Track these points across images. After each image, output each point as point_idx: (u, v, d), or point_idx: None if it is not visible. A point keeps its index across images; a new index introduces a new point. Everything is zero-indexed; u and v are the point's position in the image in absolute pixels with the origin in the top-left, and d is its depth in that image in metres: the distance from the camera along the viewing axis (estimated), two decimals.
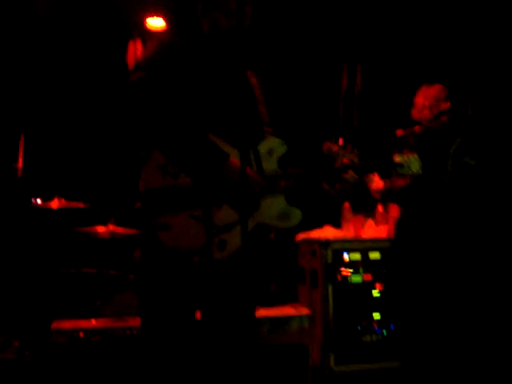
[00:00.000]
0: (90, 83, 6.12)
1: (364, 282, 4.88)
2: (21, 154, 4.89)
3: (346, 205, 5.27)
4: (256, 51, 2.99)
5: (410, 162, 3.10)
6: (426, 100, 4.11)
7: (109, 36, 6.02)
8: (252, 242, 2.64)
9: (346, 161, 3.00)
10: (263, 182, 2.63)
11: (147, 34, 6.18)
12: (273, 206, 2.69)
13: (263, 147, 2.73)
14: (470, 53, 5.37)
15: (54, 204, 4.84)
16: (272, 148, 2.74)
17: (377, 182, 4.15)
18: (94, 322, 3.99)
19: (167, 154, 2.51)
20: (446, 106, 4.06)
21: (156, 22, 6.57)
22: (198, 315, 2.71)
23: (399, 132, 4.26)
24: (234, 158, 2.54)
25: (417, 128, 4.11)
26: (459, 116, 4.13)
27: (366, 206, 5.27)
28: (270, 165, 2.71)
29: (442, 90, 4.12)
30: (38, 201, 5.03)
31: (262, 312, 4.20)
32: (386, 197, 4.15)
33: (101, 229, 4.85)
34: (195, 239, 2.49)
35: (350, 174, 2.92)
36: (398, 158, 3.13)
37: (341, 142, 3.07)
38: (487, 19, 5.39)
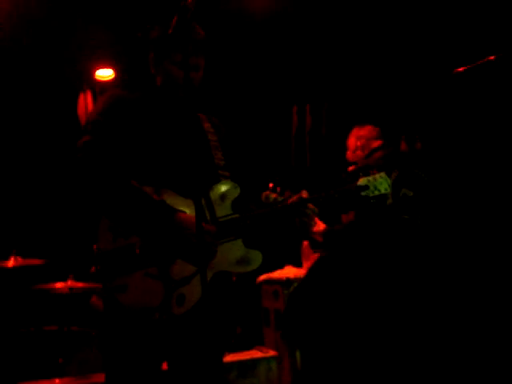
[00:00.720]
0: (42, 136, 6.09)
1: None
2: None
3: (305, 243, 5.30)
4: (208, 95, 3.01)
5: (377, 182, 2.96)
6: (357, 141, 4.22)
7: (58, 87, 6.02)
8: (213, 292, 2.62)
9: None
10: (214, 230, 2.59)
11: (97, 86, 6.21)
12: (231, 252, 2.66)
13: (215, 193, 2.71)
14: (404, 89, 5.53)
15: (11, 262, 4.75)
16: (224, 192, 2.73)
17: (317, 225, 4.21)
18: (57, 382, 3.90)
19: (113, 219, 2.53)
20: (376, 143, 4.16)
21: (105, 73, 6.62)
22: (165, 366, 2.69)
23: (350, 168, 4.33)
24: (184, 211, 2.55)
25: (350, 168, 4.15)
26: (392, 151, 4.21)
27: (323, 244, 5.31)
28: (223, 210, 2.70)
29: (372, 130, 4.23)
30: None
31: (229, 357, 4.17)
32: (328, 239, 4.18)
33: (59, 284, 4.77)
34: (153, 297, 2.48)
35: (310, 208, 2.82)
36: (361, 181, 2.97)
37: (304, 194, 2.97)
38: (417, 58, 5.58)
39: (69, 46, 5.87)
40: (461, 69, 3.01)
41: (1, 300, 5.10)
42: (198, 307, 2.52)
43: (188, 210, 2.58)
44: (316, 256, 5.25)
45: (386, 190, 2.95)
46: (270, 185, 3.02)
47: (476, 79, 3.01)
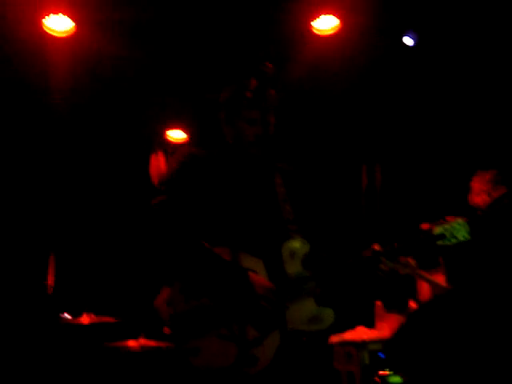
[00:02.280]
0: (114, 198, 6.24)
1: (403, 382, 4.72)
2: (51, 271, 4.92)
3: (379, 303, 5.19)
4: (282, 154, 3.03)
5: (454, 229, 2.78)
6: (484, 185, 4.20)
7: (131, 149, 6.19)
8: (286, 352, 2.56)
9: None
10: (283, 291, 2.56)
11: (169, 146, 6.35)
12: (302, 310, 2.61)
13: (285, 250, 2.68)
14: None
15: (84, 319, 4.81)
16: (294, 250, 2.69)
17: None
18: None
19: (185, 280, 2.54)
20: (503, 189, 4.15)
21: (176, 134, 6.80)
22: None
23: (425, 226, 4.25)
24: (255, 269, 2.54)
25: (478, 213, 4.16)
26: None
27: (398, 304, 5.19)
28: (293, 268, 2.66)
29: (497, 174, 4.23)
30: (67, 316, 5.02)
31: None
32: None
33: (132, 343, 4.78)
34: (226, 357, 2.45)
35: (384, 262, 2.72)
36: (437, 229, 2.79)
37: (376, 247, 2.89)
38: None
39: (143, 108, 6.06)
40: None
41: (75, 357, 5.13)
42: (271, 367, 2.48)
43: (258, 269, 2.58)
44: (389, 317, 5.13)
45: (464, 237, 2.77)
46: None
47: None
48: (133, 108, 6.13)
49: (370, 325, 5.27)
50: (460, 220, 2.82)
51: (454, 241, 2.80)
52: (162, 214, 2.54)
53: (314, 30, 5.38)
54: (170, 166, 2.77)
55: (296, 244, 2.71)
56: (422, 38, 5.50)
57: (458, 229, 2.79)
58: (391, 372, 4.71)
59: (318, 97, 6.08)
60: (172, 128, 6.72)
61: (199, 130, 6.41)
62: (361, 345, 4.75)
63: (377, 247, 2.75)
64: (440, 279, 4.35)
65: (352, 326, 5.23)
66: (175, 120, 6.56)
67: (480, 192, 4.20)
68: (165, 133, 6.73)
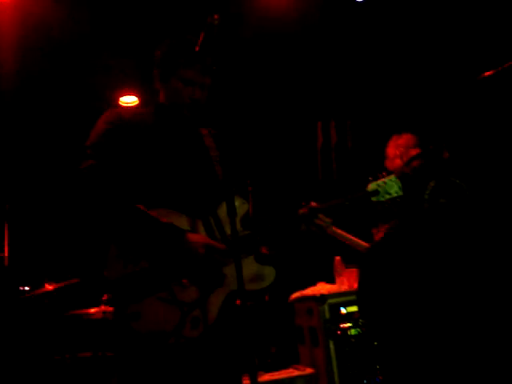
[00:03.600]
0: (67, 166, 6.14)
1: (364, 334, 4.82)
2: (6, 242, 4.85)
3: (337, 258, 5.25)
4: (234, 111, 3.00)
5: (387, 185, 2.86)
6: (396, 149, 4.18)
7: (83, 114, 6.08)
8: (228, 312, 2.59)
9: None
10: (224, 249, 2.55)
11: None
12: (244, 270, 2.58)
13: (223, 210, 2.63)
14: (440, 96, 5.51)
15: (45, 288, 4.78)
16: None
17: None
18: None
19: (121, 245, 2.49)
20: (415, 151, 4.12)
21: (129, 99, 6.69)
22: None
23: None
24: (194, 230, 2.53)
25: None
26: (431, 160, 4.16)
27: (356, 257, 5.26)
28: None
29: (410, 138, 4.20)
30: (27, 288, 4.98)
31: (266, 377, 4.12)
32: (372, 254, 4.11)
33: (93, 310, 4.77)
34: (167, 322, 2.44)
35: (322, 218, 2.77)
36: (370, 186, 2.85)
37: (313, 204, 2.90)
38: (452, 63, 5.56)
39: (94, 72, 5.95)
40: (488, 73, 2.98)
41: (35, 327, 5.10)
42: (213, 329, 2.50)
43: (197, 230, 2.57)
44: (349, 271, 5.20)
45: (396, 192, 2.86)
46: (303, 203, 2.95)
47: (504, 82, 2.97)
48: (85, 73, 6.00)
49: (331, 280, 5.33)
50: (392, 177, 2.88)
51: (387, 196, 2.87)
52: (92, 180, 2.47)
53: None
54: (97, 127, 2.62)
55: (236, 203, 2.65)
56: None
57: (390, 185, 2.86)
58: (351, 324, 4.81)
59: (270, 53, 6.02)
60: (124, 93, 6.61)
61: (151, 92, 6.31)
62: (321, 299, 4.80)
63: (313, 204, 2.77)
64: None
65: (313, 283, 5.29)
66: (127, 84, 6.44)
67: (394, 157, 4.18)
68: (117, 98, 6.62)
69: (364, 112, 6.46)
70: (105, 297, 4.81)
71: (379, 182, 2.86)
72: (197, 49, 2.43)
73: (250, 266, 2.63)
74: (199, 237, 2.51)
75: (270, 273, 2.63)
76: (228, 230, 2.62)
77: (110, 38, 5.68)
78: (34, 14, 5.25)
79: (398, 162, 4.14)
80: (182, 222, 2.54)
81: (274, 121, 6.37)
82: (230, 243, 2.56)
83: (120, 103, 6.62)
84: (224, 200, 2.65)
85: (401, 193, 2.89)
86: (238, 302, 2.64)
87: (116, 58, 5.85)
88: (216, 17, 2.36)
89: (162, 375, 2.48)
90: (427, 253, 3.59)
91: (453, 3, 5.37)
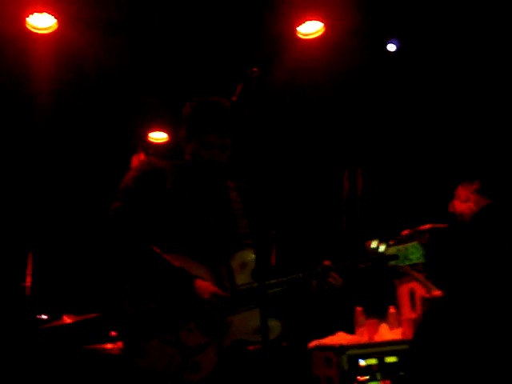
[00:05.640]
0: (94, 199, 6.18)
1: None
2: (29, 272, 4.87)
3: (358, 309, 5.19)
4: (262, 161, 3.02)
5: (408, 251, 2.78)
6: (470, 193, 4.19)
7: (114, 150, 6.16)
8: (229, 361, 2.60)
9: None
10: (228, 298, 2.59)
11: (150, 148, 6.32)
12: (248, 321, 2.63)
13: (236, 261, 2.71)
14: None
15: (63, 321, 4.78)
16: (245, 261, 2.72)
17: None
18: None
19: (133, 283, 2.59)
20: (488, 201, 4.14)
21: (158, 135, 6.77)
22: None
23: (405, 232, 4.26)
24: (204, 277, 2.60)
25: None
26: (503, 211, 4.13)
27: (378, 309, 5.20)
28: (243, 278, 2.69)
29: (481, 185, 4.22)
30: (44, 317, 4.99)
31: None
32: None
33: (110, 345, 4.75)
34: (168, 363, 2.49)
35: (333, 277, 2.75)
36: (390, 250, 2.79)
37: (326, 262, 2.78)
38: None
39: (124, 109, 6.03)
40: None
41: (53, 358, 5.09)
42: (213, 376, 2.52)
43: (207, 277, 2.63)
44: (369, 322, 5.13)
45: (418, 259, 2.79)
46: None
47: None
48: (115, 108, 6.09)
49: (350, 331, 5.27)
50: (415, 243, 2.81)
51: (407, 262, 2.80)
52: (116, 221, 2.61)
53: (299, 35, 5.40)
54: (129, 173, 2.79)
55: (247, 255, 2.74)
56: (404, 43, 5.53)
57: (412, 251, 2.79)
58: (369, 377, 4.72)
59: (301, 101, 6.08)
60: (154, 129, 6.68)
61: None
62: (339, 350, 4.72)
63: (327, 263, 2.77)
64: None
65: (332, 332, 5.22)
66: (157, 121, 6.52)
67: (467, 199, 4.18)
68: (147, 134, 6.70)
69: (391, 161, 6.46)
70: (112, 333, 4.81)
71: (400, 247, 2.80)
72: (234, 99, 2.48)
73: (255, 318, 2.58)
74: (206, 284, 2.58)
75: (275, 326, 2.63)
76: (238, 281, 2.69)
77: (142, 74, 5.77)
78: (72, 46, 5.35)
79: (471, 206, 4.14)
80: (194, 269, 2.62)
81: (301, 168, 6.39)
82: (237, 294, 2.64)
83: (149, 139, 6.70)
84: (237, 251, 2.74)
85: (423, 260, 2.81)
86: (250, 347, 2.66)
87: (147, 94, 5.93)
88: (255, 69, 2.43)
89: None
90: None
91: (475, 52, 5.41)
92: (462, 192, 4.26)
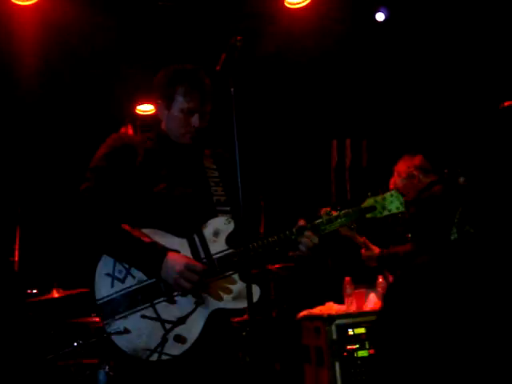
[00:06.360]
0: (80, 173, 6.16)
1: (371, 356, 4.77)
2: (17, 247, 4.86)
3: (347, 279, 5.21)
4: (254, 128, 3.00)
5: (386, 201, 2.69)
6: (410, 169, 4.13)
7: (102, 123, 6.11)
8: (213, 331, 2.60)
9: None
10: (203, 268, 2.57)
11: (138, 120, 6.28)
12: (226, 289, 2.63)
13: (208, 229, 2.68)
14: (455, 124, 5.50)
15: (53, 294, 4.79)
16: (218, 228, 2.69)
17: (372, 250, 4.14)
18: None
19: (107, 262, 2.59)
20: (432, 176, 4.08)
21: (145, 107, 6.73)
22: None
23: None
24: (180, 249, 2.59)
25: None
26: (452, 186, 4.09)
27: (366, 279, 5.22)
28: (218, 246, 2.66)
29: (424, 161, 4.16)
30: (34, 291, 5.00)
31: None
32: (383, 264, 4.05)
33: (98, 318, 4.76)
34: (150, 338, 2.50)
35: (308, 235, 2.67)
36: (367, 202, 2.69)
37: (301, 222, 2.69)
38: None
39: (111, 82, 5.98)
40: (507, 103, 2.96)
41: (41, 332, 5.10)
42: (197, 347, 2.53)
43: (181, 248, 2.62)
44: (358, 292, 5.16)
45: (397, 208, 2.69)
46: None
47: None
48: (102, 81, 6.03)
49: (340, 300, 5.30)
50: (393, 191, 2.72)
51: (385, 213, 2.71)
52: (86, 203, 2.59)
53: (286, 4, 5.36)
54: (99, 151, 2.75)
55: (221, 222, 2.71)
56: (393, 13, 5.50)
57: (390, 200, 2.71)
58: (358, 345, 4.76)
59: (289, 71, 6.04)
60: (141, 102, 6.64)
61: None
62: (328, 319, 4.76)
63: (302, 222, 2.71)
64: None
65: (321, 302, 5.25)
66: (144, 93, 6.47)
67: (408, 177, 4.09)
68: (134, 107, 6.66)
69: (380, 131, 6.45)
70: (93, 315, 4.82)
71: (377, 197, 2.72)
72: (218, 68, 2.46)
73: (232, 285, 2.65)
74: (179, 256, 2.57)
75: (254, 291, 2.53)
76: (212, 249, 2.66)
77: (129, 47, 5.72)
78: (56, 17, 5.28)
79: (414, 183, 4.08)
80: (167, 241, 2.61)
81: (290, 138, 6.37)
82: (212, 262, 2.62)
83: (137, 111, 6.66)
84: (210, 219, 2.71)
85: (402, 208, 2.70)
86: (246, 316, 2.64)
87: (134, 66, 5.88)
88: (239, 38, 2.41)
89: None
90: (459, 288, 3.51)
91: (469, 26, 5.38)
92: (401, 168, 4.19)
